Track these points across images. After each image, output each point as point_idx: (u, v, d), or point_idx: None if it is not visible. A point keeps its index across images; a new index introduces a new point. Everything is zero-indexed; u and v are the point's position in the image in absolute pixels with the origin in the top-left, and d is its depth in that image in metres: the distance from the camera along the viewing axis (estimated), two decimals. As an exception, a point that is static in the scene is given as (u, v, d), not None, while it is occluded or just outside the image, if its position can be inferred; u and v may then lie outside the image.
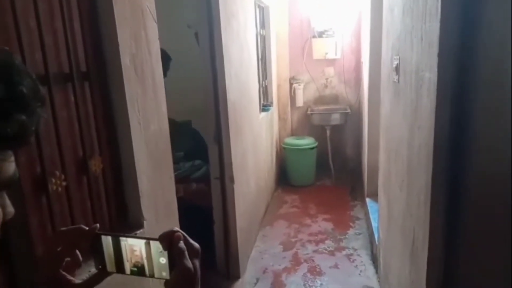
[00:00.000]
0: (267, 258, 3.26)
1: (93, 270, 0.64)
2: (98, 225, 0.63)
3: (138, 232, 1.41)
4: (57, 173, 1.09)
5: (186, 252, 0.60)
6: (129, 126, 1.35)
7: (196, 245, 0.63)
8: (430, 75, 1.20)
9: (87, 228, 0.61)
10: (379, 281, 2.78)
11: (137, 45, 1.41)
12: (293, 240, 3.55)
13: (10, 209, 0.45)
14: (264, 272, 3.05)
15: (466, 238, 1.11)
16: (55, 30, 1.11)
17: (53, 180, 1.07)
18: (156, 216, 1.54)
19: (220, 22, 2.47)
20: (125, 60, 1.33)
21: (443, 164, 1.12)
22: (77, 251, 0.63)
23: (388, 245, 2.32)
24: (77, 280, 0.62)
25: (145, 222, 1.46)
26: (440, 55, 1.11)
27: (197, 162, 3.36)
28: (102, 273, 0.64)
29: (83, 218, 1.22)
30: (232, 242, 2.81)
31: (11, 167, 0.41)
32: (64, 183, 1.11)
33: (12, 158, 0.42)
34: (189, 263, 0.60)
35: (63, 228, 0.63)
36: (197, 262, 0.61)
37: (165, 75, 1.66)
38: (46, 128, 1.05)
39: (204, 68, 2.54)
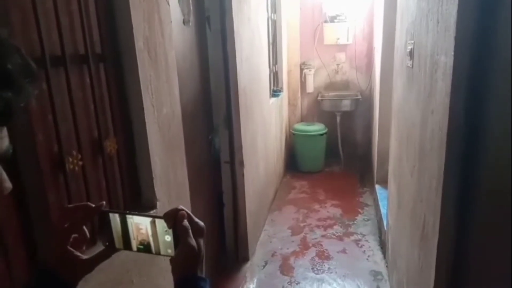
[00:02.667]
0: (276, 241, 3.30)
1: (101, 246, 0.65)
2: (104, 202, 0.63)
3: (151, 212, 1.44)
4: (74, 152, 1.11)
5: (190, 231, 0.61)
6: (142, 108, 1.37)
7: (201, 223, 0.64)
8: (446, 59, 1.18)
9: (93, 206, 0.62)
10: (386, 266, 2.80)
11: (150, 28, 1.41)
12: (302, 225, 3.58)
13: (8, 184, 0.44)
14: (272, 255, 3.09)
15: (477, 226, 1.11)
16: (71, 12, 1.11)
17: (70, 159, 1.10)
18: (169, 197, 1.57)
19: (232, 6, 2.46)
20: (139, 43, 1.33)
21: (457, 150, 1.11)
22: (84, 228, 0.63)
23: (397, 231, 2.33)
24: (85, 256, 0.63)
25: (158, 202, 1.48)
26: (456, 38, 1.09)
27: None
28: (109, 249, 0.65)
29: (98, 198, 1.25)
30: (242, 225, 2.85)
31: (4, 142, 0.41)
32: (80, 163, 1.13)
33: (5, 133, 0.41)
34: (192, 241, 0.61)
35: (70, 205, 0.64)
36: (201, 241, 0.62)
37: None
38: (63, 108, 1.07)
39: (215, 52, 2.54)
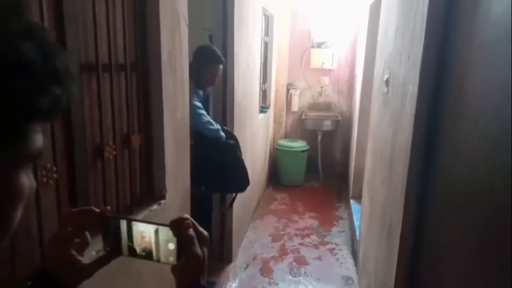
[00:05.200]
0: (257, 247, 3.53)
1: (102, 251, 0.65)
2: (109, 207, 0.63)
3: (161, 202, 1.67)
4: (110, 143, 1.35)
5: (195, 240, 0.61)
6: (162, 112, 1.62)
7: (205, 232, 0.63)
8: (413, 88, 1.50)
9: (98, 210, 0.62)
10: (357, 272, 3.08)
11: (173, 44, 1.68)
12: (281, 233, 3.83)
13: (34, 183, 0.43)
14: (254, 259, 3.32)
15: (431, 218, 1.40)
16: (115, 29, 1.37)
17: (107, 149, 1.33)
18: (175, 189, 1.80)
19: (233, 27, 2.75)
20: (164, 56, 1.59)
21: (418, 158, 1.42)
22: (87, 233, 0.63)
23: (367, 239, 2.61)
24: (85, 260, 0.62)
25: (167, 194, 1.72)
26: (421, 72, 1.40)
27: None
28: (110, 255, 0.64)
29: (123, 185, 1.48)
30: (228, 228, 3.07)
31: (40, 139, 0.40)
32: (114, 152, 1.37)
33: (41, 129, 0.40)
34: (198, 250, 0.60)
35: (74, 209, 0.62)
36: (205, 250, 0.62)
37: None
38: (105, 106, 1.31)
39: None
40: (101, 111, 1.27)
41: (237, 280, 3.00)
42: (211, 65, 2.56)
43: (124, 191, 1.50)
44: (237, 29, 2.86)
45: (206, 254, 0.62)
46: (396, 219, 1.59)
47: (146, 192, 1.66)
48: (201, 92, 2.63)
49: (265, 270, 3.16)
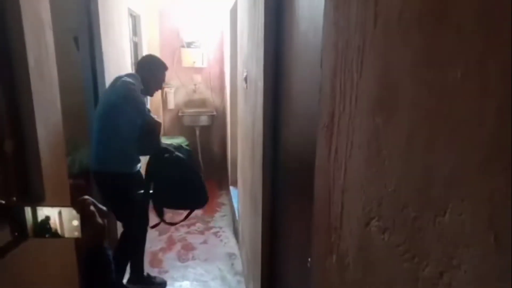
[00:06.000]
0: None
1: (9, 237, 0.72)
2: (15, 198, 0.80)
3: (41, 204, 1.71)
4: (-18, 149, 1.37)
5: (96, 213, 0.75)
6: (34, 117, 1.66)
7: (104, 208, 0.79)
8: (261, 84, 1.87)
9: (3, 202, 0.74)
10: (239, 248, 3.46)
11: (39, 49, 1.72)
12: (168, 226, 3.99)
13: None
14: (142, 253, 3.42)
15: (280, 188, 1.80)
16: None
17: (-20, 155, 1.36)
18: (54, 191, 1.85)
19: (99, 28, 2.80)
20: (31, 62, 1.64)
21: (268, 133, 1.80)
22: None
23: (244, 216, 3.00)
24: None
25: (45, 196, 1.76)
26: (264, 71, 1.78)
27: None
28: (18, 239, 0.74)
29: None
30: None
31: None
32: (-13, 158, 1.39)
33: None
34: (100, 221, 0.75)
35: None
36: (105, 221, 0.77)
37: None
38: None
39: (84, 71, 2.82)
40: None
41: (126, 276, 3.08)
42: (162, 72, 2.74)
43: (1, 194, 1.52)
44: (104, 30, 2.91)
45: (106, 223, 0.76)
46: (259, 192, 1.96)
47: (24, 196, 1.69)
48: (148, 98, 2.81)
49: (155, 262, 3.31)
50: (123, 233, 2.74)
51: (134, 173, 2.62)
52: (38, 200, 1.74)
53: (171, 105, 5.52)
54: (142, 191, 2.63)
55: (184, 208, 2.91)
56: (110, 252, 0.82)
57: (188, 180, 2.71)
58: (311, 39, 1.17)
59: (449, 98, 0.40)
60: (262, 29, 1.77)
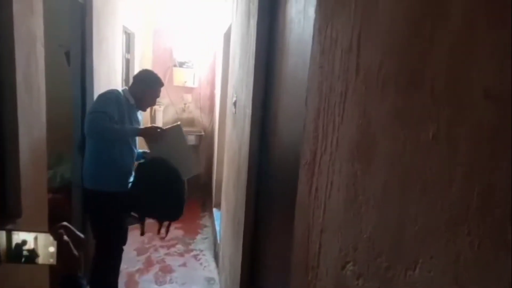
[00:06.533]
0: (122, 262, 3.54)
1: None
2: None
3: (17, 220, 1.67)
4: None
5: (70, 243, 0.73)
6: (18, 130, 1.64)
7: (81, 235, 0.77)
8: (249, 111, 1.89)
9: None
10: (218, 273, 3.40)
11: (28, 65, 1.72)
12: (147, 246, 3.91)
13: None
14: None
15: (261, 210, 1.80)
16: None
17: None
18: (32, 207, 1.81)
19: (92, 44, 2.81)
20: (19, 77, 1.63)
21: (253, 160, 1.81)
22: None
23: (225, 240, 2.96)
24: None
25: (23, 212, 1.72)
26: (253, 99, 1.80)
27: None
28: None
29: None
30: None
31: None
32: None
33: None
34: (74, 251, 0.73)
35: None
36: (81, 251, 0.76)
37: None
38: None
39: (73, 85, 2.81)
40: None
41: (101, 297, 2.98)
42: (157, 88, 2.74)
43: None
44: (97, 45, 2.92)
45: (81, 254, 0.76)
46: (242, 215, 1.95)
47: (1, 212, 1.64)
48: (141, 113, 2.85)
49: (131, 284, 3.22)
50: (94, 260, 2.67)
51: (126, 192, 2.60)
52: (14, 216, 1.70)
53: (159, 123, 5.50)
54: (133, 215, 2.62)
55: (157, 217, 2.89)
56: (84, 282, 0.81)
57: (174, 188, 2.71)
58: (299, 76, 1.20)
59: (422, 157, 0.41)
60: (253, 58, 1.80)
